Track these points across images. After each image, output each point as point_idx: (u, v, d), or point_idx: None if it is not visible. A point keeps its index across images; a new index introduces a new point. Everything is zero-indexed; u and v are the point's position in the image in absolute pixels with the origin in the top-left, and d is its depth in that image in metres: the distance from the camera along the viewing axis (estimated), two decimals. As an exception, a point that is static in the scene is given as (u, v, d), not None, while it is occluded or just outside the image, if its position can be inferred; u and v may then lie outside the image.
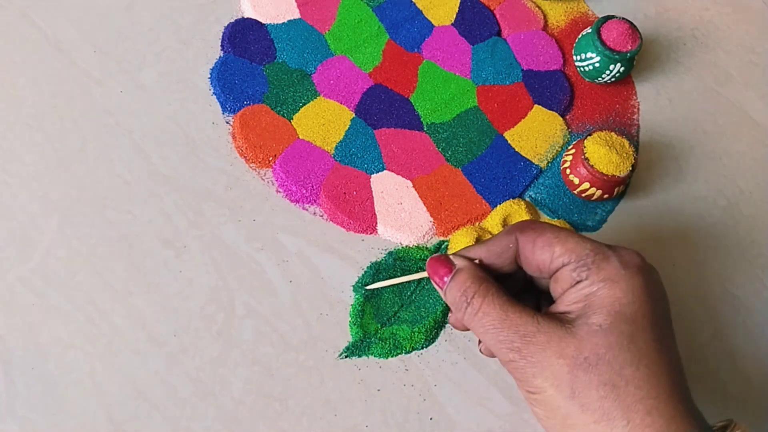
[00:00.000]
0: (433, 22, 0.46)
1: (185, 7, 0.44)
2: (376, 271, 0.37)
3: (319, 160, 0.40)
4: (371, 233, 0.39)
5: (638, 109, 0.46)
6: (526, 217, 0.39)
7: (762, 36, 0.50)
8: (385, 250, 0.38)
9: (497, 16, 0.47)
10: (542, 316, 0.27)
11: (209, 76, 0.42)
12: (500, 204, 0.40)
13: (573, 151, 0.40)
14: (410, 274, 0.37)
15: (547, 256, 0.29)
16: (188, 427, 0.33)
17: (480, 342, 0.32)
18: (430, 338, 0.36)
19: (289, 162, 0.39)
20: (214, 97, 0.41)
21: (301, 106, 0.41)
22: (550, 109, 0.44)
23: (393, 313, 0.36)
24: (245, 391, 0.34)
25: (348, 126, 0.41)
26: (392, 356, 0.36)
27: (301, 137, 0.40)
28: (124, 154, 0.39)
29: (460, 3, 0.47)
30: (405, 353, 0.36)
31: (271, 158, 0.39)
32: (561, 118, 0.44)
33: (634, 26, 0.43)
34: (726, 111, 0.47)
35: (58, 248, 0.36)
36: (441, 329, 0.37)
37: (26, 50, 0.41)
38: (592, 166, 0.38)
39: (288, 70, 0.42)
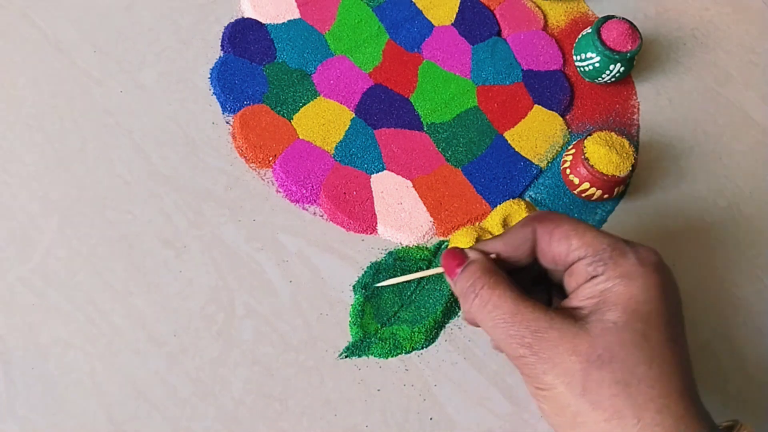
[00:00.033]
0: (433, 22, 0.46)
1: (185, 7, 0.44)
2: (376, 271, 0.37)
3: (319, 160, 0.40)
4: (371, 233, 0.39)
5: (638, 109, 0.46)
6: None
7: (762, 36, 0.50)
8: (385, 250, 0.38)
9: (497, 16, 0.47)
10: (554, 311, 0.27)
11: (209, 76, 0.42)
12: (500, 204, 0.40)
13: (573, 151, 0.40)
14: (410, 273, 0.37)
15: (564, 248, 0.28)
16: (188, 427, 0.33)
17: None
18: (430, 338, 0.36)
19: (289, 162, 0.39)
20: (214, 97, 0.41)
21: (301, 106, 0.41)
22: (550, 109, 0.44)
23: (393, 313, 0.36)
24: (245, 391, 0.34)
25: (348, 126, 0.41)
26: (392, 356, 0.36)
27: (301, 137, 0.40)
28: (124, 154, 0.39)
29: (460, 3, 0.47)
30: (405, 353, 0.36)
31: (271, 158, 0.39)
32: (561, 118, 0.44)
33: (634, 26, 0.43)
34: (726, 111, 0.47)
35: (58, 248, 0.36)
36: (441, 329, 0.37)
37: (26, 50, 0.41)
38: (592, 166, 0.38)
39: (288, 70, 0.42)
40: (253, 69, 0.42)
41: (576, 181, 0.40)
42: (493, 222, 0.39)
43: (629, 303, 0.26)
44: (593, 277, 0.27)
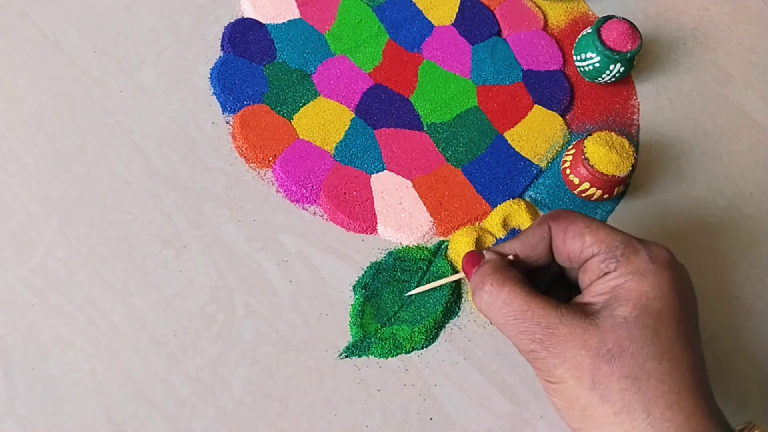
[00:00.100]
0: (433, 22, 0.46)
1: (185, 7, 0.44)
2: (376, 271, 0.37)
3: (319, 160, 0.40)
4: (371, 233, 0.39)
5: (638, 109, 0.46)
6: (526, 216, 0.39)
7: (762, 36, 0.50)
8: (385, 250, 0.38)
9: (497, 16, 0.47)
10: (565, 307, 0.27)
11: (209, 76, 0.42)
12: (500, 204, 0.40)
13: (573, 151, 0.40)
14: (411, 273, 0.38)
15: (578, 245, 0.29)
16: (188, 427, 0.33)
17: None
18: (430, 338, 0.36)
19: (289, 162, 0.39)
20: (214, 97, 0.41)
21: (301, 106, 0.41)
22: (550, 109, 0.44)
23: (393, 313, 0.36)
24: (245, 391, 0.34)
25: (348, 126, 0.41)
26: (392, 356, 0.36)
27: (301, 137, 0.40)
28: (124, 154, 0.39)
29: (460, 3, 0.47)
30: (405, 353, 0.36)
31: (271, 158, 0.39)
32: (561, 118, 0.44)
33: (634, 26, 0.43)
34: (726, 111, 0.47)
35: (58, 248, 0.36)
36: (441, 329, 0.37)
37: (26, 50, 0.41)
38: (592, 166, 0.38)
39: (288, 70, 0.42)
40: (253, 69, 0.42)
41: (576, 181, 0.40)
42: (493, 222, 0.39)
43: (640, 299, 0.26)
44: (605, 274, 0.28)
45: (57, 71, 0.40)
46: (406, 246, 0.39)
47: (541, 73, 0.45)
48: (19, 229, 0.36)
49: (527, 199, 0.41)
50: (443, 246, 0.39)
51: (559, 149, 0.43)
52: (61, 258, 0.36)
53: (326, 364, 0.35)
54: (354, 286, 0.37)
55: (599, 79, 0.44)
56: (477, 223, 0.40)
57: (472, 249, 0.37)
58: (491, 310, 0.29)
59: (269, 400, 0.34)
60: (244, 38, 0.43)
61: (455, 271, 0.38)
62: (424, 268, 0.38)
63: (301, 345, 0.35)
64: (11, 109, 0.39)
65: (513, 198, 0.41)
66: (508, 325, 0.28)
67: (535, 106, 0.44)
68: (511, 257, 0.31)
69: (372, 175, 0.40)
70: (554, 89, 0.45)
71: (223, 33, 0.43)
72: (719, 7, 0.51)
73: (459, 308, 0.37)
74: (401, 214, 0.39)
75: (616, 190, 0.40)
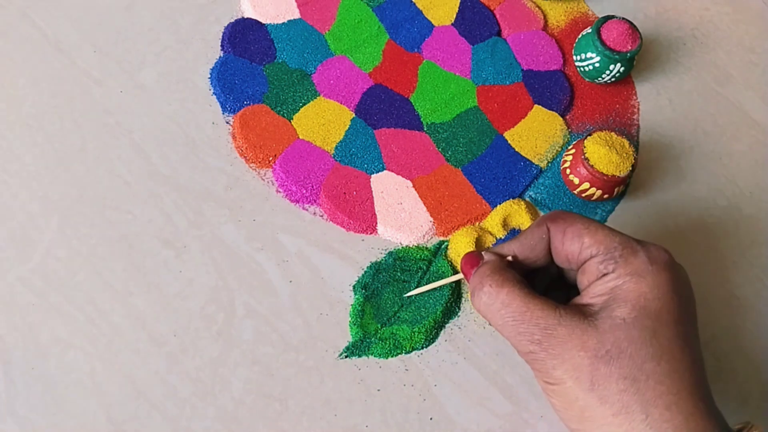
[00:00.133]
0: (433, 22, 0.46)
1: (185, 7, 0.44)
2: (376, 271, 0.37)
3: (319, 160, 0.40)
4: (371, 233, 0.39)
5: (638, 109, 0.46)
6: (526, 217, 0.39)
7: (762, 36, 0.50)
8: (385, 250, 0.38)
9: (497, 16, 0.47)
10: (564, 308, 0.27)
11: (209, 76, 0.42)
12: (500, 204, 0.40)
13: (573, 151, 0.40)
14: (411, 273, 0.38)
15: (576, 246, 0.29)
16: (188, 427, 0.33)
17: None
18: (430, 338, 0.36)
19: (289, 162, 0.39)
20: (214, 97, 0.41)
21: (301, 106, 0.41)
22: (550, 109, 0.44)
23: (393, 313, 0.36)
24: (245, 391, 0.34)
25: (348, 126, 0.41)
26: (392, 356, 0.36)
27: (301, 137, 0.40)
28: (124, 154, 0.39)
29: (460, 3, 0.47)
30: (405, 353, 0.36)
31: (271, 158, 0.39)
32: (561, 118, 0.44)
33: (634, 26, 0.43)
34: (726, 111, 0.47)
35: (58, 248, 0.36)
36: (441, 329, 0.37)
37: (26, 50, 0.41)
38: (592, 166, 0.38)
39: (288, 70, 0.42)
40: (253, 69, 0.42)
41: (576, 181, 0.40)
42: (493, 222, 0.39)
43: (638, 300, 0.26)
44: (604, 275, 0.28)
45: (57, 71, 0.40)
46: (406, 246, 0.39)
47: (541, 73, 0.45)
48: (19, 229, 0.36)
49: (527, 199, 0.41)
50: (443, 246, 0.39)
51: (559, 149, 0.43)
52: (61, 258, 0.36)
53: (326, 364, 0.35)
54: (354, 286, 0.37)
55: (599, 79, 0.44)
56: (477, 223, 0.40)
57: (472, 249, 0.37)
58: (490, 311, 0.29)
59: (269, 400, 0.34)
60: (244, 38, 0.43)
61: (455, 272, 0.38)
62: (424, 268, 0.38)
63: (301, 345, 0.35)
64: (11, 109, 0.39)
65: (513, 198, 0.41)
66: (507, 326, 0.28)
67: (535, 106, 0.44)
68: (509, 258, 0.31)
69: (372, 175, 0.40)
70: (554, 89, 0.45)
71: (223, 33, 0.43)
72: (719, 7, 0.51)
73: (459, 308, 0.37)
74: (401, 214, 0.39)
75: (616, 190, 0.40)
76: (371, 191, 0.39)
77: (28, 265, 0.35)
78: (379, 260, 0.38)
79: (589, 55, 0.43)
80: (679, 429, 0.25)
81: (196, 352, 0.34)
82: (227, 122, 0.40)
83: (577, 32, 0.47)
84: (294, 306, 0.36)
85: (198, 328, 0.35)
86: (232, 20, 0.43)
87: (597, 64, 0.43)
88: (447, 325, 0.37)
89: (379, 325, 0.36)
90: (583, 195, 0.40)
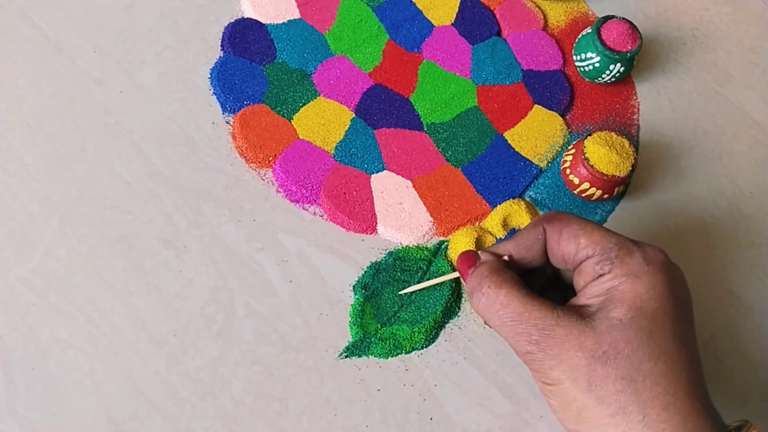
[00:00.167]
0: (433, 22, 0.46)
1: (185, 7, 0.44)
2: (376, 271, 0.37)
3: (319, 160, 0.40)
4: (371, 233, 0.39)
5: (638, 109, 0.46)
6: (525, 216, 0.39)
7: (762, 36, 0.50)
8: (385, 250, 0.38)
9: (497, 16, 0.47)
10: (561, 309, 0.27)
11: (209, 76, 0.42)
12: (500, 204, 0.40)
13: (573, 151, 0.40)
14: (411, 273, 0.38)
15: (573, 247, 0.29)
16: (188, 427, 0.33)
17: None
18: (430, 338, 0.36)
19: (289, 162, 0.39)
20: (214, 97, 0.41)
21: (301, 106, 0.41)
22: (550, 109, 0.44)
23: (393, 313, 0.36)
24: (245, 391, 0.34)
25: (348, 126, 0.41)
26: (392, 356, 0.36)
27: (301, 137, 0.40)
28: (124, 154, 0.39)
29: (460, 3, 0.47)
30: (405, 353, 0.36)
31: (271, 158, 0.39)
32: (561, 118, 0.44)
33: (634, 26, 0.43)
34: (726, 111, 0.47)
35: (58, 248, 0.36)
36: (441, 329, 0.37)
37: (26, 50, 0.41)
38: (592, 166, 0.38)
39: (288, 70, 0.42)
40: (253, 69, 0.42)
41: (576, 181, 0.40)
42: (493, 222, 0.39)
43: (635, 301, 0.26)
44: (600, 276, 0.28)
45: (57, 71, 0.40)
46: (406, 246, 0.39)
47: (541, 73, 0.45)
48: (19, 229, 0.36)
49: (527, 199, 0.41)
50: (443, 246, 0.39)
51: (559, 149, 0.43)
52: (61, 258, 0.36)
53: (326, 364, 0.35)
54: (354, 286, 0.37)
55: (599, 79, 0.44)
56: (477, 223, 0.40)
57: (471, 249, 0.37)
58: (488, 312, 0.29)
59: (269, 400, 0.34)
60: (244, 38, 0.43)
61: (455, 272, 0.38)
62: (424, 268, 0.38)
63: (301, 345, 0.35)
64: (11, 109, 0.39)
65: (513, 198, 0.41)
66: (505, 327, 0.28)
67: (535, 106, 0.44)
68: (506, 258, 0.31)
69: (372, 175, 0.40)
70: (554, 89, 0.45)
71: (223, 33, 0.43)
72: (719, 7, 0.51)
73: (459, 308, 0.37)
74: (401, 214, 0.39)
75: (616, 190, 0.40)
76: (371, 191, 0.39)
77: (28, 265, 0.35)
78: (379, 260, 0.38)
79: (589, 55, 0.43)
80: (676, 429, 0.25)
81: (196, 352, 0.34)
82: (227, 122, 0.40)
83: (577, 32, 0.47)
84: (294, 306, 0.36)
85: (198, 328, 0.35)
86: (232, 20, 0.43)
87: (597, 64, 0.43)
88: (447, 325, 0.37)
89: (379, 325, 0.36)
90: (583, 195, 0.40)
